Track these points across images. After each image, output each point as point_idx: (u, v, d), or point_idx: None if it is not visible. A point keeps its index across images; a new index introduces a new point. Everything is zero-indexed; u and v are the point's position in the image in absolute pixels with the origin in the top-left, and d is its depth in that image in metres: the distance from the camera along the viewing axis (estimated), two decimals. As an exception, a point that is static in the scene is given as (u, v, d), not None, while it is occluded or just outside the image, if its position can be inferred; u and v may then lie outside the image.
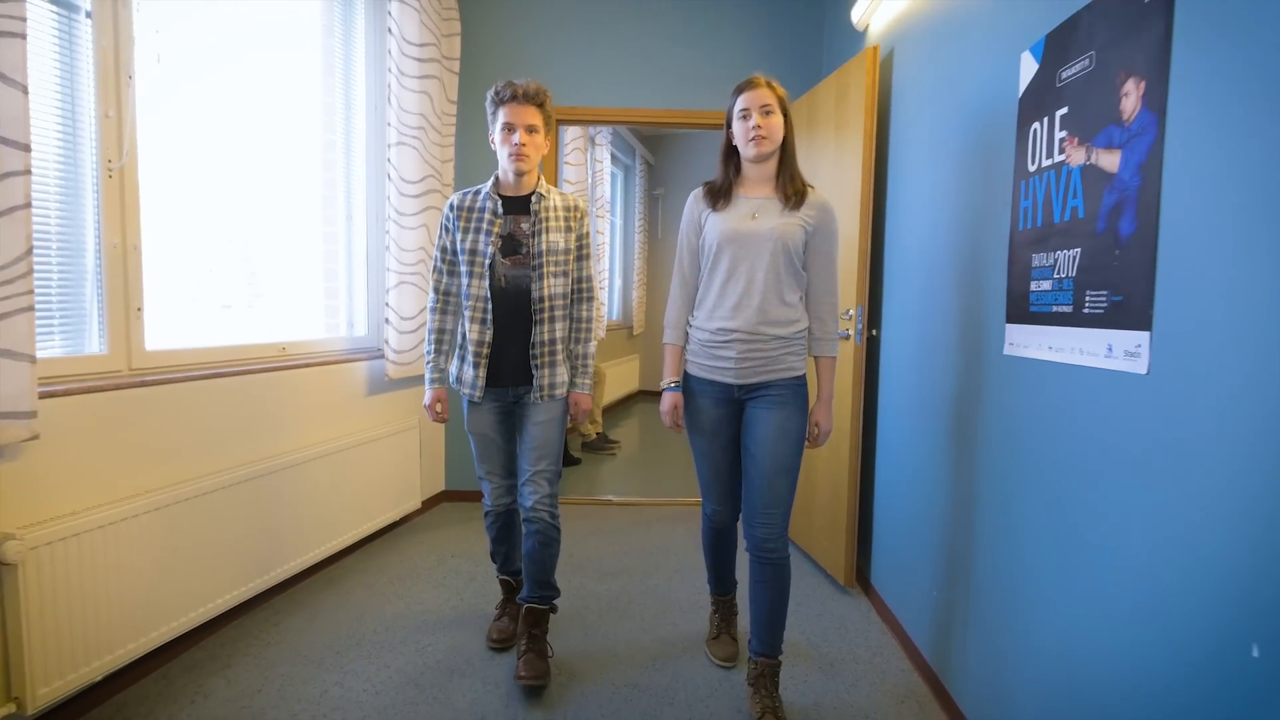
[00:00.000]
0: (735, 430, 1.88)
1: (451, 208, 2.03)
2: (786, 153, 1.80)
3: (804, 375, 1.83)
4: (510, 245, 1.98)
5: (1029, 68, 1.51)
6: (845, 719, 1.84)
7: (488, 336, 1.97)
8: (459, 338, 2.06)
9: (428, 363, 2.09)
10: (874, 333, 2.62)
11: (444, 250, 2.05)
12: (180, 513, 1.97)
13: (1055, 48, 1.41)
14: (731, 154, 1.85)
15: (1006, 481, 1.60)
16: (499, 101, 1.93)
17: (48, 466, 1.66)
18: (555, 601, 2.09)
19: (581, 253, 2.06)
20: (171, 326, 2.15)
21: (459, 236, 2.00)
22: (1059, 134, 1.39)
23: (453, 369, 2.08)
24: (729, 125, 1.82)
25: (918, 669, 2.08)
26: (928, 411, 2.10)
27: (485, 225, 1.98)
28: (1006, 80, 1.63)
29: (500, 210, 1.98)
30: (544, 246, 1.97)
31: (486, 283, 1.96)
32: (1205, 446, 1.01)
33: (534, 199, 1.99)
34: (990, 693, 1.65)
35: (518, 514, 2.11)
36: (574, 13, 3.52)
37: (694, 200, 1.91)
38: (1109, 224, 1.23)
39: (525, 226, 1.98)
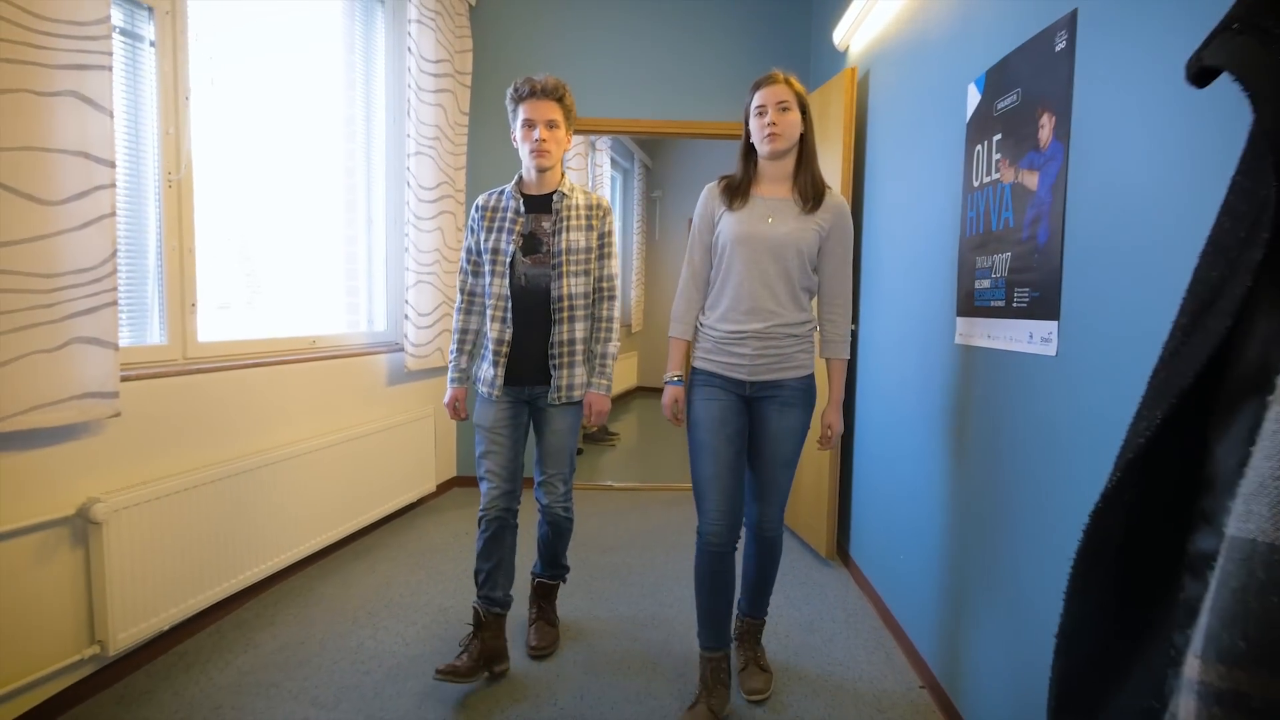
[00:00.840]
0: (742, 423, 1.81)
1: (477, 208, 2.03)
2: (805, 151, 1.75)
3: (813, 373, 1.83)
4: (531, 244, 1.97)
5: (973, 98, 1.77)
6: (821, 665, 2.09)
7: (507, 335, 1.96)
8: (482, 337, 2.06)
9: (450, 362, 2.10)
10: (853, 328, 2.87)
11: (469, 251, 2.05)
12: (230, 486, 2.21)
13: (993, 82, 1.67)
14: (750, 151, 1.80)
15: (960, 457, 1.85)
16: (518, 98, 1.91)
17: (123, 441, 1.91)
18: (565, 576, 2.25)
19: (604, 251, 2.04)
20: (218, 320, 2.39)
21: (483, 236, 2.00)
22: (995, 156, 1.64)
23: (475, 368, 2.09)
24: (746, 122, 1.79)
25: (887, 626, 2.34)
26: (895, 398, 2.36)
27: (507, 224, 1.97)
28: (958, 107, 1.89)
29: (522, 209, 1.98)
30: (564, 245, 1.95)
31: (507, 281, 1.96)
32: (1103, 420, 1.26)
33: (556, 197, 1.98)
34: (949, 642, 1.90)
35: (512, 526, 2.03)
36: (577, 29, 3.77)
37: (708, 195, 1.86)
38: (1030, 233, 1.48)
39: (547, 225, 1.97)
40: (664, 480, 4.18)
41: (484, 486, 2.01)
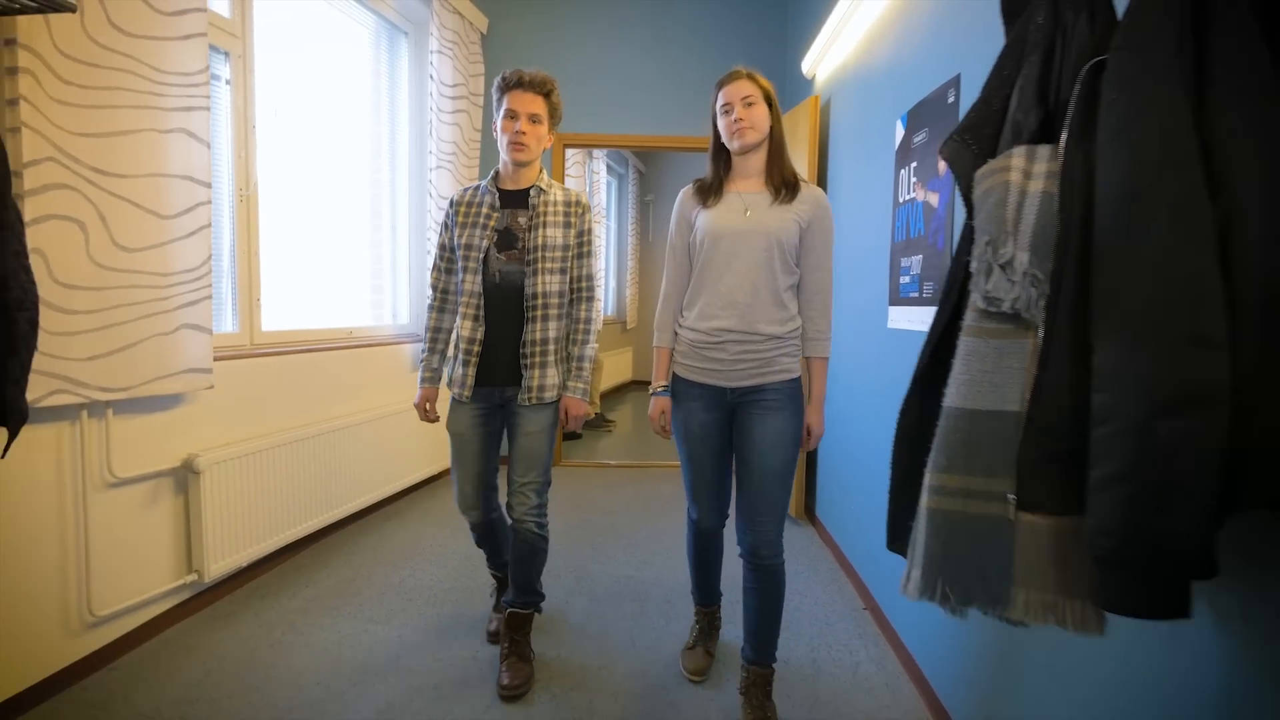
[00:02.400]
0: (726, 436, 1.78)
1: (451, 203, 1.97)
2: (774, 144, 1.73)
3: (798, 377, 1.76)
4: (506, 240, 1.89)
5: (900, 131, 2.21)
6: (789, 618, 2.53)
7: (479, 334, 1.89)
8: (455, 336, 1.99)
9: (420, 361, 2.04)
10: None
11: (443, 248, 2.00)
12: (290, 451, 2.64)
13: (912, 121, 2.11)
14: (721, 151, 1.77)
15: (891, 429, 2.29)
16: (504, 88, 1.86)
17: (211, 409, 2.33)
18: (540, 605, 2.09)
19: (582, 250, 1.96)
20: (274, 312, 2.81)
21: (457, 232, 1.93)
22: (912, 179, 2.08)
23: (447, 368, 2.02)
24: (714, 122, 1.76)
25: (842, 568, 2.78)
26: (847, 377, 2.80)
27: (482, 219, 1.90)
28: (890, 137, 2.33)
29: (498, 204, 1.91)
30: (540, 241, 1.88)
31: (480, 278, 1.88)
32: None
33: (533, 193, 1.92)
34: (889, 575, 2.35)
35: (493, 524, 2.08)
36: (576, 54, 4.21)
37: (683, 198, 1.83)
38: (934, 240, 1.92)
39: (523, 221, 1.90)
40: (656, 459, 4.62)
41: (456, 495, 2.02)
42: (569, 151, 5.66)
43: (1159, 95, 0.72)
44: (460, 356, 1.93)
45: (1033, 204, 0.85)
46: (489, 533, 2.12)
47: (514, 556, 1.97)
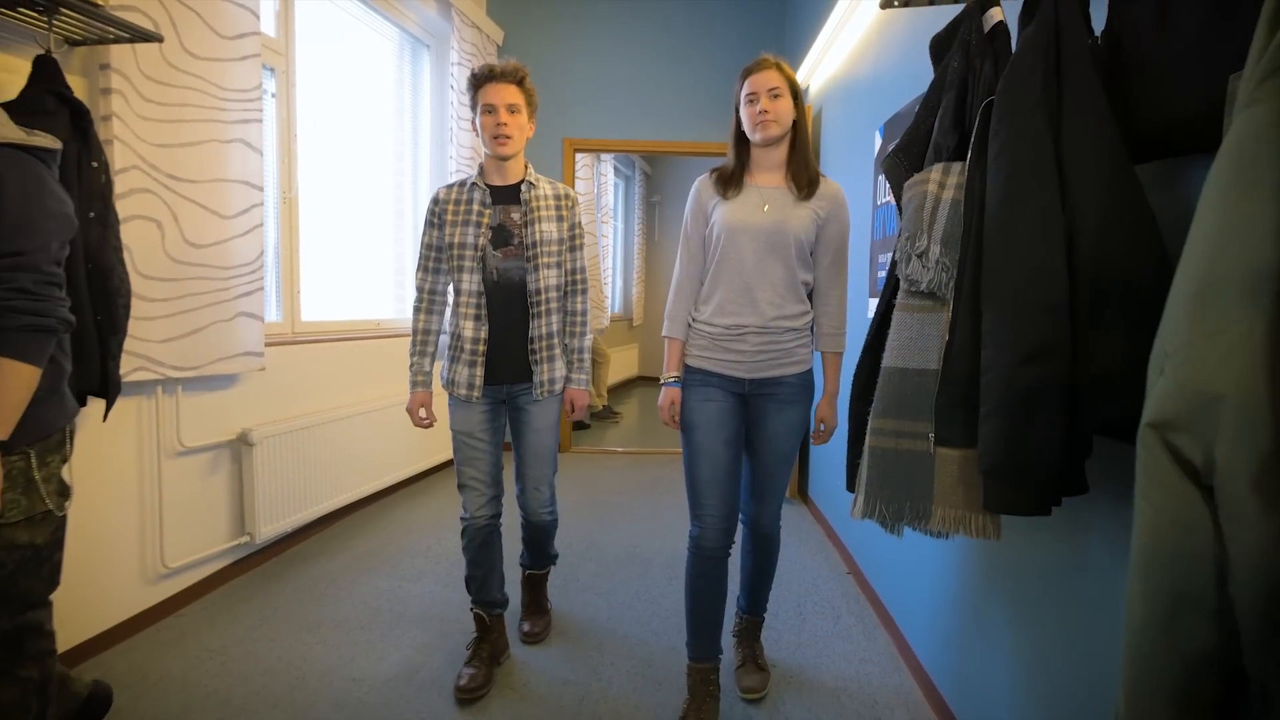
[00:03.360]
0: (739, 424, 1.74)
1: (436, 201, 1.91)
2: (798, 138, 1.69)
3: (811, 368, 1.78)
4: (502, 236, 1.86)
5: (878, 140, 2.46)
6: (780, 582, 2.78)
7: (483, 333, 1.86)
8: (452, 337, 1.92)
9: (411, 365, 1.96)
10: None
11: (429, 247, 1.93)
12: (328, 430, 2.91)
13: (888, 131, 2.36)
14: (741, 140, 1.72)
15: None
16: (477, 84, 1.82)
17: (261, 389, 2.60)
18: (555, 561, 2.25)
19: (574, 243, 1.96)
20: (312, 303, 3.09)
21: (446, 231, 1.88)
22: (886, 184, 2.33)
23: (442, 371, 1.96)
24: (736, 110, 1.71)
25: (830, 540, 3.03)
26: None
27: (474, 217, 1.86)
28: (871, 145, 2.58)
29: (489, 200, 1.88)
30: (537, 237, 1.86)
31: (478, 277, 1.85)
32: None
33: (524, 187, 1.89)
34: (874, 546, 2.60)
35: (498, 532, 1.98)
36: (586, 65, 4.47)
37: (700, 188, 1.77)
38: (905, 238, 2.17)
39: (516, 216, 1.87)
40: (657, 447, 4.87)
41: (466, 495, 1.92)
42: (578, 156, 5.94)
43: (1027, 128, 0.97)
44: (464, 358, 1.87)
45: (944, 208, 1.10)
46: (488, 548, 1.95)
47: (528, 536, 2.10)
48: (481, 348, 1.87)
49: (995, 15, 1.15)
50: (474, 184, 1.89)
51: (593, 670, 2.00)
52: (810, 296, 1.78)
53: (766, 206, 1.69)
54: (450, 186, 1.93)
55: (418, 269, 1.96)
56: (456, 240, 1.87)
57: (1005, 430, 0.95)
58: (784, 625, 2.27)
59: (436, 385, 1.99)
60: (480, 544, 1.94)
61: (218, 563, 2.43)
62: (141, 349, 2.04)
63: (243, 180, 2.36)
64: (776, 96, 1.64)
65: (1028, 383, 0.93)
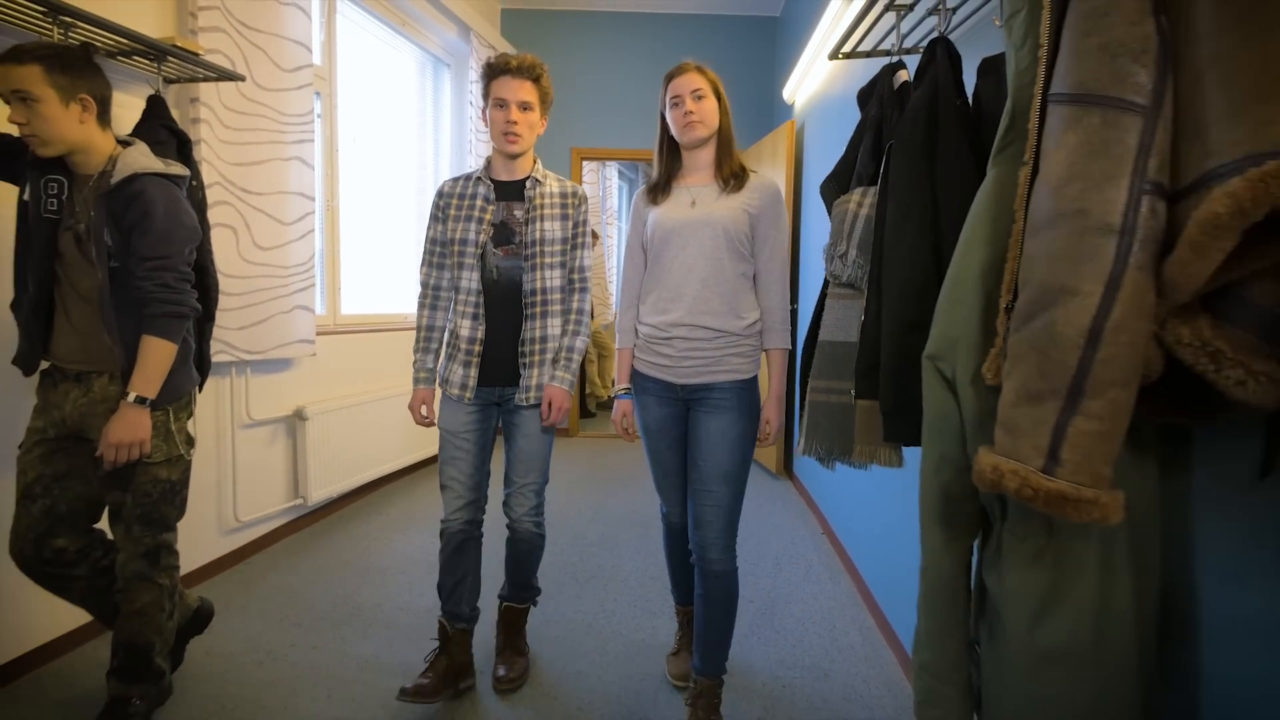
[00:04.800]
0: (681, 431, 1.76)
1: (440, 195, 1.87)
2: (723, 137, 1.71)
3: (752, 379, 1.72)
4: (503, 234, 1.81)
5: (846, 156, 2.83)
6: (759, 531, 3.16)
7: (480, 333, 1.81)
8: (450, 335, 1.89)
9: (415, 362, 1.92)
10: (794, 307, 3.94)
11: (433, 241, 1.89)
12: (367, 410, 3.30)
13: (853, 149, 2.73)
14: (670, 147, 1.75)
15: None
16: (491, 74, 1.75)
17: (311, 373, 3.00)
18: (536, 599, 2.05)
19: (578, 241, 1.89)
20: (350, 299, 3.48)
21: (449, 225, 1.84)
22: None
23: (440, 366, 1.92)
24: (662, 117, 1.73)
25: (810, 509, 3.41)
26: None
27: (476, 213, 1.81)
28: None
29: (492, 196, 1.82)
30: (538, 235, 1.81)
31: (477, 275, 1.80)
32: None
33: (529, 184, 1.83)
34: (846, 510, 2.97)
35: (476, 539, 1.90)
36: (595, 79, 4.85)
37: (636, 199, 1.82)
38: (865, 240, 2.54)
39: (519, 214, 1.82)
40: (661, 433, 5.26)
41: (444, 496, 1.85)
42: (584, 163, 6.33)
43: (913, 165, 1.35)
44: (460, 357, 1.83)
45: (860, 222, 1.47)
46: (462, 555, 1.87)
47: (511, 555, 1.93)
48: (477, 348, 1.82)
49: (902, 76, 1.53)
50: (479, 178, 1.85)
51: (600, 606, 2.39)
52: (753, 296, 1.74)
53: (694, 203, 1.71)
54: (456, 180, 1.89)
55: (422, 263, 1.93)
56: (458, 236, 1.82)
57: (893, 382, 1.33)
58: (761, 572, 2.66)
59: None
60: (454, 548, 1.85)
61: (276, 520, 2.82)
62: (222, 335, 2.43)
63: (299, 192, 2.75)
64: (700, 98, 1.66)
65: (907, 347, 1.31)
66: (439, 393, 1.91)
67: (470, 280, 1.81)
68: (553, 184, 1.88)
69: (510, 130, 1.74)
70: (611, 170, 7.42)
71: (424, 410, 1.91)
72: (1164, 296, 0.66)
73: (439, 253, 1.89)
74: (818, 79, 3.55)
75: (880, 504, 2.35)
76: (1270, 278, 0.65)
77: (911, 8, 1.58)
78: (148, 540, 1.67)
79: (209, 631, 2.02)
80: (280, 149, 2.65)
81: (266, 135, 2.58)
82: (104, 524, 1.69)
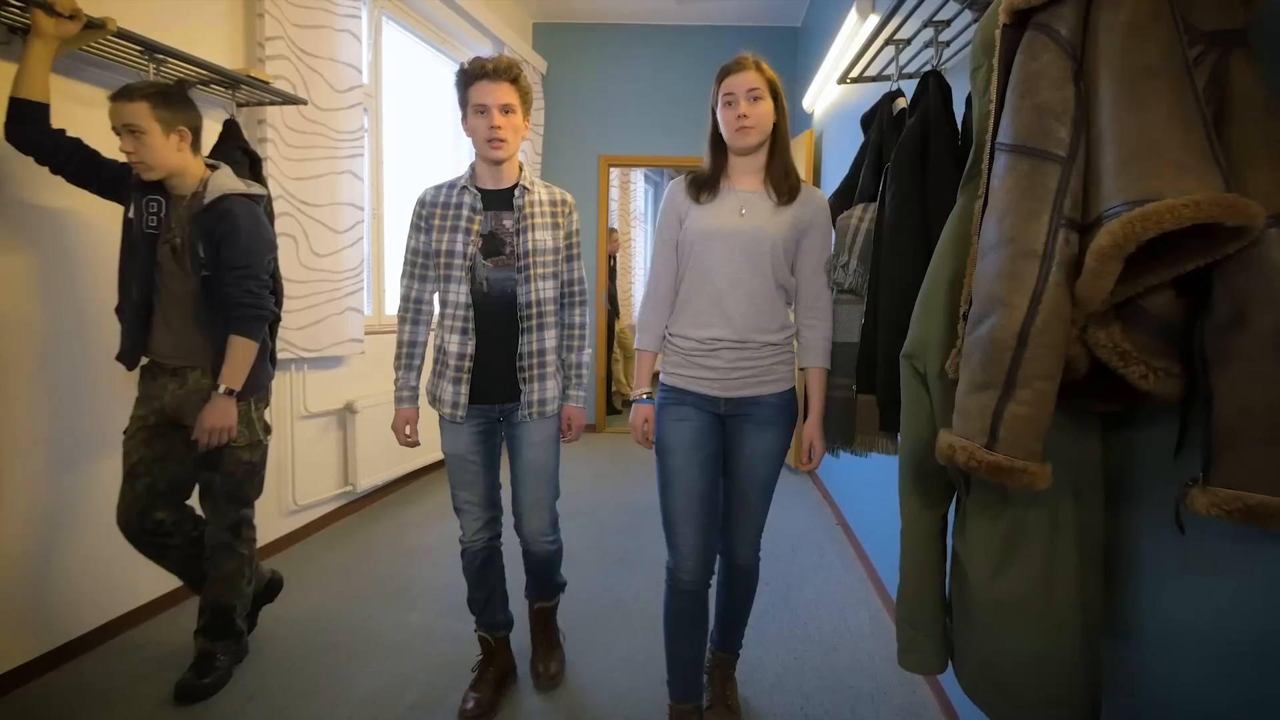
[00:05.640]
0: (717, 446, 1.64)
1: (422, 204, 1.78)
2: (778, 142, 1.61)
3: (792, 387, 1.68)
4: (492, 245, 1.73)
5: (860, 166, 2.99)
6: (780, 530, 3.33)
7: (469, 348, 1.73)
8: (437, 351, 1.82)
9: (397, 380, 1.84)
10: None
11: (415, 252, 1.80)
12: (408, 404, 3.53)
13: (866, 159, 2.89)
14: (718, 142, 1.64)
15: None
16: (468, 80, 1.66)
17: (360, 369, 3.24)
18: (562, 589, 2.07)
19: (571, 252, 1.84)
20: (393, 300, 3.72)
21: (433, 236, 1.75)
22: (865, 202, 2.87)
23: (427, 386, 1.86)
24: (713, 112, 1.63)
25: (827, 501, 3.57)
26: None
27: (463, 223, 1.73)
28: (856, 168, 3.11)
29: (480, 206, 1.74)
30: (530, 246, 1.74)
31: (466, 288, 1.71)
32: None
33: (517, 193, 1.75)
34: (862, 504, 3.13)
35: (498, 552, 1.90)
36: (621, 88, 5.05)
37: (674, 189, 1.69)
38: (876, 247, 2.71)
39: (508, 224, 1.74)
40: (685, 430, 5.44)
41: (462, 519, 1.85)
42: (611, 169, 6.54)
43: (906, 185, 1.51)
44: (450, 374, 1.75)
45: (861, 235, 1.64)
46: (488, 570, 1.88)
47: (530, 568, 1.95)
48: (468, 364, 1.73)
49: (900, 104, 1.70)
50: (464, 186, 1.75)
51: (626, 584, 2.59)
52: (792, 310, 1.70)
53: (744, 211, 1.60)
54: (439, 188, 1.79)
55: (403, 275, 1.83)
56: (444, 247, 1.73)
57: (888, 376, 1.50)
58: (778, 558, 2.83)
59: (424, 402, 1.88)
60: (480, 565, 1.86)
61: (329, 505, 3.07)
62: (283, 334, 2.67)
63: (350, 203, 2.99)
64: (756, 99, 1.55)
65: (899, 347, 1.48)
66: (435, 412, 1.86)
67: (458, 294, 1.72)
68: (541, 191, 1.81)
69: (494, 136, 1.66)
70: (637, 174, 7.62)
71: (408, 430, 1.85)
72: (1079, 308, 0.84)
73: (421, 264, 1.80)
74: (832, 96, 3.71)
75: (891, 496, 2.50)
76: (1162, 292, 0.82)
77: (909, 42, 1.75)
78: (232, 514, 1.91)
79: (276, 602, 2.25)
80: (335, 164, 2.89)
81: (323, 151, 2.82)
82: (194, 501, 1.93)
